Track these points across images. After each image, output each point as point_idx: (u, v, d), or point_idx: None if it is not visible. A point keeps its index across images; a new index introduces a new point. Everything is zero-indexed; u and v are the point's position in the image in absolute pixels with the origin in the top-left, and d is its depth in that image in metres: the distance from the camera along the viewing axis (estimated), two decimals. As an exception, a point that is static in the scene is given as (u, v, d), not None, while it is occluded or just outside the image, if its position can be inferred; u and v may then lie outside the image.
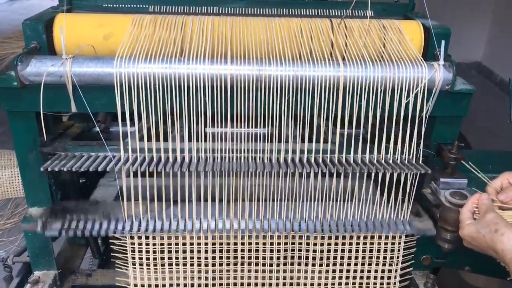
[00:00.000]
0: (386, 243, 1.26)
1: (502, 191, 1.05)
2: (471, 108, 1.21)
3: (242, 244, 1.25)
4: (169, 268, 1.26)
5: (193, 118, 1.12)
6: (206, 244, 1.25)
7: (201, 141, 1.16)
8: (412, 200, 1.20)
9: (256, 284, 1.30)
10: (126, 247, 1.23)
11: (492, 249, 0.92)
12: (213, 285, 1.29)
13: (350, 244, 1.26)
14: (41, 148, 1.19)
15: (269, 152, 1.19)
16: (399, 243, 1.26)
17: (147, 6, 1.42)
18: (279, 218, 1.21)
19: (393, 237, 1.25)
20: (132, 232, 1.19)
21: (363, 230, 1.21)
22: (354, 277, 1.30)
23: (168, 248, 1.24)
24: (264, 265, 1.28)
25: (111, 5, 1.43)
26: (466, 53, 5.58)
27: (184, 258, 1.26)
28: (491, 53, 5.70)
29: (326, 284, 1.30)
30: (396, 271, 1.29)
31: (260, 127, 1.15)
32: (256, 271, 1.29)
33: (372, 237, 1.25)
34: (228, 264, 1.27)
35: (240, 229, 1.22)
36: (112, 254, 1.25)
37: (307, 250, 1.26)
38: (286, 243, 1.26)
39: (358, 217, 1.22)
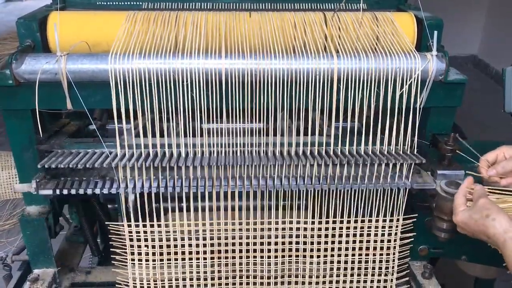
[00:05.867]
0: (383, 232, 1.26)
1: (496, 164, 1.07)
2: (467, 101, 1.21)
3: (240, 239, 1.26)
4: (168, 265, 1.27)
5: (188, 113, 1.12)
6: (204, 238, 1.25)
7: (197, 136, 1.17)
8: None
9: (254, 277, 1.31)
10: (125, 244, 1.24)
11: (484, 234, 0.94)
12: (212, 278, 1.30)
13: (348, 229, 1.26)
14: (38, 146, 1.19)
15: (264, 146, 1.19)
16: (396, 233, 1.26)
17: (140, 3, 1.42)
18: (277, 177, 1.18)
19: (390, 220, 1.25)
20: (126, 191, 1.16)
21: (363, 185, 1.18)
22: (352, 268, 1.30)
23: (167, 244, 1.25)
24: (262, 262, 1.29)
25: (105, 3, 1.43)
26: (462, 46, 5.59)
27: (183, 253, 1.26)
28: (487, 46, 5.71)
29: (324, 276, 1.31)
30: (393, 261, 1.30)
31: (256, 122, 1.16)
32: (255, 269, 1.30)
33: (369, 226, 1.26)
34: (226, 258, 1.28)
35: (237, 186, 1.18)
36: (111, 250, 1.25)
37: (305, 242, 1.27)
38: (283, 229, 1.26)
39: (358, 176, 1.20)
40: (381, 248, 1.28)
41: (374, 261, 1.30)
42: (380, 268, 1.31)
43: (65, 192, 1.15)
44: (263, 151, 1.20)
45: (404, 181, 1.19)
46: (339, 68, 1.11)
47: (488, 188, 1.05)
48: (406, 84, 1.13)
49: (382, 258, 1.30)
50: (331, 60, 1.11)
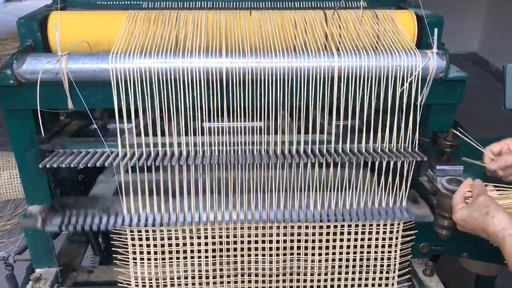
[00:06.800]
0: (384, 230, 1.27)
1: (500, 156, 1.07)
2: (467, 98, 1.21)
3: (242, 237, 1.26)
4: (170, 263, 1.27)
5: (189, 112, 1.12)
6: (206, 237, 1.26)
7: (198, 135, 1.17)
8: (409, 187, 1.20)
9: (256, 275, 1.31)
10: (127, 243, 1.24)
11: (484, 231, 0.94)
12: (214, 277, 1.30)
13: (349, 235, 1.26)
14: (39, 145, 1.19)
15: (265, 144, 1.20)
16: (397, 230, 1.27)
17: (140, 2, 1.42)
18: (277, 209, 1.21)
19: (391, 224, 1.26)
20: (131, 226, 1.19)
21: (361, 218, 1.21)
22: (354, 266, 1.31)
23: (169, 242, 1.25)
24: (264, 260, 1.29)
25: (105, 2, 1.43)
26: (462, 43, 5.58)
27: (185, 251, 1.27)
28: (487, 43, 5.70)
29: (326, 273, 1.31)
30: (395, 258, 1.30)
31: (256, 120, 1.16)
32: (257, 267, 1.30)
33: (371, 225, 1.26)
34: (228, 256, 1.28)
35: (239, 220, 1.22)
36: (113, 249, 1.26)
37: (306, 240, 1.27)
38: (285, 227, 1.26)
39: (356, 205, 1.23)
40: (383, 246, 1.28)
41: (375, 259, 1.30)
42: (381, 265, 1.31)
43: (70, 228, 1.19)
44: (264, 149, 1.20)
45: (402, 213, 1.21)
46: (340, 66, 1.11)
47: (493, 184, 1.05)
48: (406, 82, 1.13)
49: (383, 256, 1.30)
50: (331, 58, 1.11)
